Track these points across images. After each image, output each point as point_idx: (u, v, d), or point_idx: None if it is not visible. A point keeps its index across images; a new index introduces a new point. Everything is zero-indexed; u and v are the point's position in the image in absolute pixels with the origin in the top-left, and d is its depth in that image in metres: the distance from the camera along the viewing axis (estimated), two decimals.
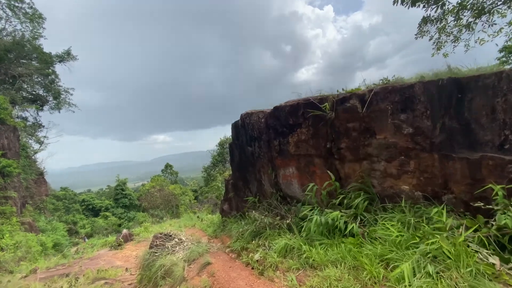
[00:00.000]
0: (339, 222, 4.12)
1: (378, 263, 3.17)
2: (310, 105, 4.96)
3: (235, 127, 7.50)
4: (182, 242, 7.05)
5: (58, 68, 26.49)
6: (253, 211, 7.31)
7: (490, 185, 3.10)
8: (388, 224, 3.55)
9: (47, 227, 19.96)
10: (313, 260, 3.81)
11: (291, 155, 5.66)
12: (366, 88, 4.29)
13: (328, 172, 4.94)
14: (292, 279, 3.62)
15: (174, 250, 6.70)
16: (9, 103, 19.37)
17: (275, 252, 4.56)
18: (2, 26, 21.56)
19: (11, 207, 15.70)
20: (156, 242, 7.04)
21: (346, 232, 4.04)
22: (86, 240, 26.65)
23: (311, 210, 4.78)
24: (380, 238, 3.56)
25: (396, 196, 4.09)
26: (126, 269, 8.97)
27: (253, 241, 5.60)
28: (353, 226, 3.95)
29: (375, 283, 2.95)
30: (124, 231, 13.49)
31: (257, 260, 4.80)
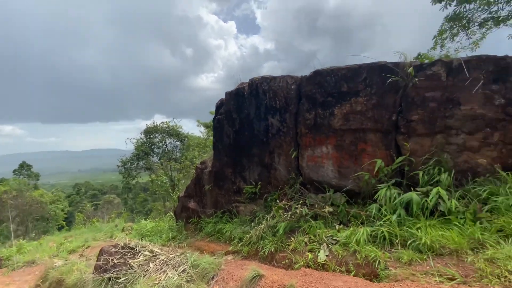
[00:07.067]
0: (433, 200, 3.57)
1: None
2: (379, 69, 4.28)
3: (236, 96, 5.78)
4: (157, 255, 4.59)
5: None
6: (251, 205, 5.81)
7: None
8: None
9: None
10: (440, 245, 3.04)
11: (332, 131, 4.75)
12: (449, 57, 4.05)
13: (386, 149, 4.39)
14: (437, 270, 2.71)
15: (147, 270, 4.21)
16: None
17: (351, 245, 3.46)
18: None
19: None
20: (111, 261, 4.26)
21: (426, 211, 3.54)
22: None
23: (386, 189, 4.00)
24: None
25: (469, 171, 3.96)
26: None
27: (292, 239, 4.22)
28: (453, 204, 3.48)
29: None
30: None
31: (323, 260, 3.54)
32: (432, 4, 7.07)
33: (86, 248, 9.07)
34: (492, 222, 3.15)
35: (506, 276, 2.47)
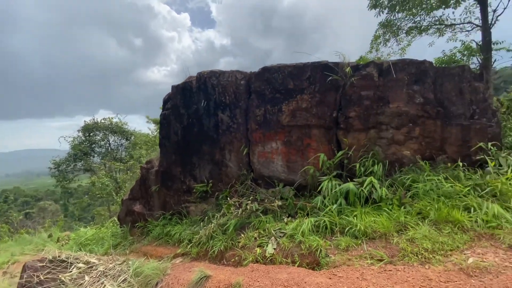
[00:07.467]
0: (367, 189, 3.93)
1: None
2: (322, 68, 4.50)
3: (183, 90, 5.49)
4: (93, 267, 4.13)
5: None
6: (202, 204, 5.67)
7: (480, 144, 4.07)
8: (434, 177, 3.78)
9: None
10: (372, 230, 3.34)
11: (281, 127, 4.86)
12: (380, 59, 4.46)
13: (328, 144, 4.68)
14: (370, 253, 2.98)
15: (81, 284, 3.77)
16: None
17: (297, 236, 3.61)
18: None
19: None
20: (36, 277, 3.68)
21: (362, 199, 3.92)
22: None
23: (328, 181, 4.24)
24: (419, 196, 3.72)
25: (396, 161, 4.47)
26: None
27: (242, 235, 4.22)
28: (383, 192, 3.88)
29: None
30: None
31: (271, 254, 3.61)
32: (368, 10, 7.78)
33: (12, 264, 7.83)
34: (413, 206, 3.60)
35: (422, 254, 2.83)
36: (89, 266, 4.15)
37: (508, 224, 3.02)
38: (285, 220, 4.31)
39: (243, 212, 4.55)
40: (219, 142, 5.30)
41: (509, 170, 3.76)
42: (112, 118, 14.79)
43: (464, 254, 2.75)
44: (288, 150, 4.93)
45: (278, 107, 4.80)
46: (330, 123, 4.63)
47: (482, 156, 4.11)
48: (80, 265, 4.12)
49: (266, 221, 4.36)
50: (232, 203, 4.71)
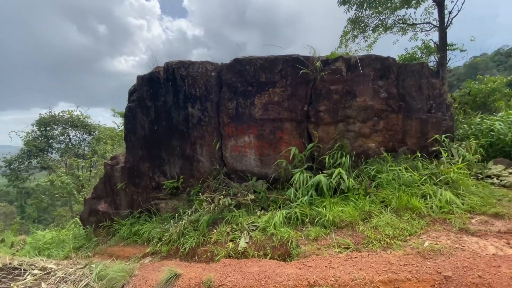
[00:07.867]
0: (335, 180, 4.07)
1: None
2: (293, 62, 4.51)
3: (150, 81, 5.18)
4: (51, 272, 3.80)
5: None
6: (173, 200, 5.49)
7: (435, 136, 4.40)
8: (396, 167, 4.00)
9: None
10: (340, 219, 3.47)
11: (253, 120, 4.82)
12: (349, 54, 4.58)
13: (300, 137, 4.76)
14: (337, 242, 3.09)
15: None
16: None
17: (269, 229, 3.64)
18: None
19: None
20: None
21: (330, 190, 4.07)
22: None
23: (300, 173, 4.31)
24: (383, 185, 3.94)
25: (362, 153, 4.69)
26: None
27: (214, 231, 4.15)
28: (350, 182, 4.04)
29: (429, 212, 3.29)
30: None
31: (243, 248, 3.61)
32: (338, 6, 7.99)
33: None
34: (377, 195, 3.81)
35: (385, 240, 3.01)
36: (46, 272, 3.82)
37: (458, 209, 3.32)
38: (258, 213, 4.31)
39: (216, 207, 4.48)
40: (190, 136, 5.13)
41: (460, 160, 4.13)
42: (72, 111, 13.57)
43: (421, 238, 2.97)
44: (260, 143, 4.92)
45: (251, 100, 4.75)
46: (302, 116, 4.69)
47: (437, 147, 4.46)
48: (36, 271, 3.77)
49: (239, 215, 4.33)
50: (204, 198, 4.61)
